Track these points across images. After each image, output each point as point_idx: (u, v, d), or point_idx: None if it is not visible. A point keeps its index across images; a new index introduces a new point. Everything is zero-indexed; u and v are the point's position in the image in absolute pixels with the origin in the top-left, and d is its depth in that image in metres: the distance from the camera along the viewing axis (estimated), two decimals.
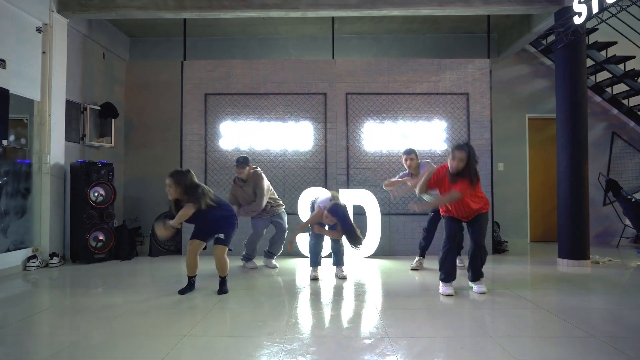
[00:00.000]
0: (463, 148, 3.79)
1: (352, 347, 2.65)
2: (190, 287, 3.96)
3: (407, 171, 5.02)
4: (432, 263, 4.86)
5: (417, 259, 5.13)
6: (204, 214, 3.80)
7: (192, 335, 2.82)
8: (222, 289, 3.95)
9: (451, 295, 3.83)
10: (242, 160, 5.06)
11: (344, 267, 4.71)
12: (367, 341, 2.75)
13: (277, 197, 5.37)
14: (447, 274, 3.93)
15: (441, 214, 4.09)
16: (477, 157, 3.88)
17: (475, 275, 3.99)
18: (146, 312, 3.37)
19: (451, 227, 3.97)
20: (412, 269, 5.03)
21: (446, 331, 2.92)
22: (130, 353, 2.57)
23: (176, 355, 2.50)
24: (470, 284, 4.05)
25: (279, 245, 5.33)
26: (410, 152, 4.94)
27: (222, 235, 3.89)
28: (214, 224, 3.89)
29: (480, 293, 3.89)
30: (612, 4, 4.24)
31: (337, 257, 4.71)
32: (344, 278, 4.57)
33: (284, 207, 5.38)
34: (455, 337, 2.80)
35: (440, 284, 3.97)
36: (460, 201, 3.84)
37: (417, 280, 4.53)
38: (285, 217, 5.35)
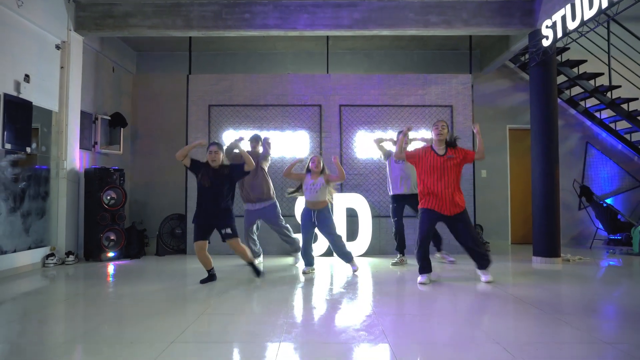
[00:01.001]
0: (441, 119, 4.43)
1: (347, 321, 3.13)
2: (210, 277, 4.46)
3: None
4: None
5: (398, 256, 5.65)
6: (219, 195, 4.38)
7: (207, 313, 3.28)
8: (257, 272, 4.54)
9: (424, 284, 4.35)
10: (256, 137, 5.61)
11: (354, 262, 5.12)
12: (361, 320, 3.23)
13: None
14: (422, 266, 4.47)
15: (419, 207, 4.49)
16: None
17: (483, 263, 4.42)
18: (152, 303, 3.82)
19: (424, 228, 4.38)
20: (392, 265, 5.56)
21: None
22: (138, 335, 2.93)
23: (196, 328, 2.96)
24: (478, 272, 4.50)
25: (290, 239, 5.56)
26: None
27: (228, 230, 4.39)
28: (213, 218, 4.40)
29: (487, 282, 4.34)
30: (574, 30, 4.82)
31: (345, 258, 5.09)
32: (355, 271, 5.04)
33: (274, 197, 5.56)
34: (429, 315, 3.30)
35: (419, 275, 4.51)
36: (445, 188, 4.28)
37: (398, 275, 5.02)
38: (277, 211, 5.49)
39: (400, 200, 5.58)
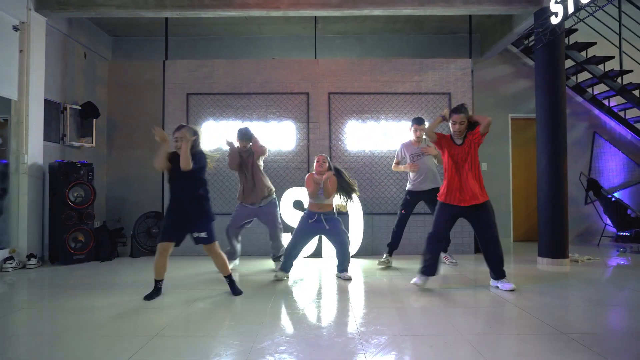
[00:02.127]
0: (460, 110, 3.93)
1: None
2: (156, 291, 3.76)
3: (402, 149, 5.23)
4: (401, 263, 4.87)
5: (385, 255, 5.19)
6: (185, 185, 3.73)
7: (162, 336, 2.80)
8: (234, 290, 3.83)
9: (418, 286, 3.95)
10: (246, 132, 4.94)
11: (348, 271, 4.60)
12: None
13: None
14: (425, 267, 4.00)
15: (438, 198, 4.06)
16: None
17: (501, 272, 3.97)
18: (120, 313, 3.33)
19: (440, 223, 3.97)
20: (379, 264, 5.12)
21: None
22: (100, 353, 2.53)
23: (145, 355, 2.47)
24: (494, 282, 4.03)
25: (278, 243, 5.01)
26: (420, 122, 5.11)
27: (203, 234, 3.72)
28: (186, 217, 3.72)
29: (510, 290, 3.86)
30: (587, 4, 4.28)
31: (343, 262, 4.56)
32: (349, 279, 4.49)
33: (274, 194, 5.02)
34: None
35: (418, 273, 4.06)
36: (462, 177, 3.88)
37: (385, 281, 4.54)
38: (277, 211, 5.01)
39: (415, 195, 5.12)
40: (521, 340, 2.70)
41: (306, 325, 3.04)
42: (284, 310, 3.43)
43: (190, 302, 3.64)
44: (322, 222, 4.54)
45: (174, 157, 3.80)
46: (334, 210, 4.66)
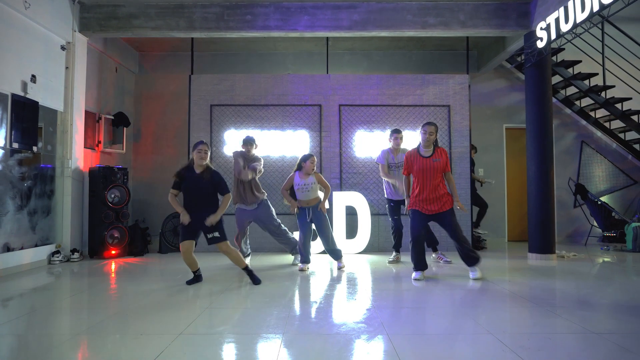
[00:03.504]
0: (431, 123, 4.52)
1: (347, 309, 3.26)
2: (196, 278, 4.37)
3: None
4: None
5: (394, 254, 5.79)
6: (200, 199, 4.22)
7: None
8: (254, 279, 4.30)
9: (419, 280, 4.51)
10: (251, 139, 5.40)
11: (342, 260, 5.29)
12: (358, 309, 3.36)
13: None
14: (416, 264, 4.62)
15: (408, 207, 4.63)
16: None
17: (469, 261, 4.56)
18: (155, 299, 3.94)
19: (415, 228, 4.54)
20: (389, 262, 5.69)
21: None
22: (144, 329, 3.13)
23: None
24: (468, 269, 4.63)
25: (286, 238, 5.50)
26: (398, 131, 5.70)
27: (216, 234, 4.18)
28: (199, 221, 4.14)
29: (475, 279, 4.47)
30: (566, 32, 4.94)
31: (334, 255, 5.26)
32: (341, 268, 5.20)
33: (265, 195, 5.45)
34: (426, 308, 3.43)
35: (413, 271, 4.66)
36: (429, 187, 4.42)
37: (394, 271, 5.15)
38: (270, 210, 5.40)
39: (396, 202, 5.71)
40: (508, 312, 3.32)
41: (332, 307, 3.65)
42: (306, 301, 4.04)
43: (214, 294, 4.24)
44: (310, 215, 5.14)
45: (190, 174, 4.28)
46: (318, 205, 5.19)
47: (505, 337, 2.70)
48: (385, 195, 5.82)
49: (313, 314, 3.29)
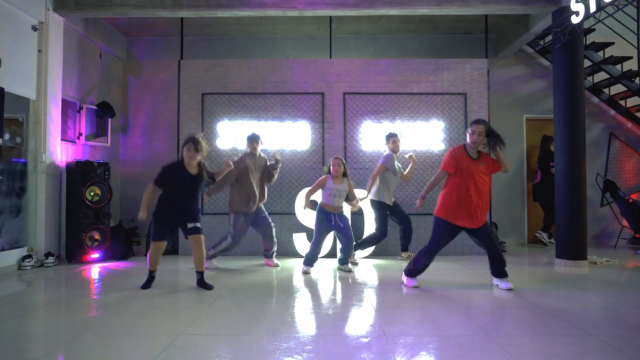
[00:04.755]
0: (480, 122, 3.93)
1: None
2: (152, 280, 4.11)
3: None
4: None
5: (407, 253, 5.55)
6: (184, 193, 4.01)
7: (187, 334, 2.80)
8: (205, 285, 4.03)
9: (417, 287, 4.06)
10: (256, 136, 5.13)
11: (348, 264, 4.99)
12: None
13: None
14: (414, 272, 4.12)
15: (437, 214, 4.02)
16: (501, 140, 3.91)
17: (500, 274, 4.05)
18: (141, 311, 3.33)
19: (440, 240, 3.96)
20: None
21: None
22: (125, 352, 2.53)
23: (170, 354, 2.47)
24: (496, 281, 4.11)
25: (271, 239, 5.22)
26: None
27: (198, 224, 4.01)
28: (179, 215, 3.99)
29: (508, 289, 3.96)
30: (609, 3, 4.24)
31: (346, 256, 4.93)
32: (350, 271, 4.90)
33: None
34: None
35: (406, 276, 4.16)
36: (475, 194, 3.85)
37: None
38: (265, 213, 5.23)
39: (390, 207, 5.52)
40: (548, 342, 2.67)
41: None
42: (308, 306, 3.43)
43: (211, 301, 3.64)
44: (337, 221, 4.85)
45: (180, 170, 4.02)
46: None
47: None
48: (379, 199, 5.40)
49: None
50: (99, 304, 3.57)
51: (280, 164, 5.15)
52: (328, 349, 2.56)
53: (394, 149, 5.47)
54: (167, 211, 4.00)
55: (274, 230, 5.22)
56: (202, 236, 4.04)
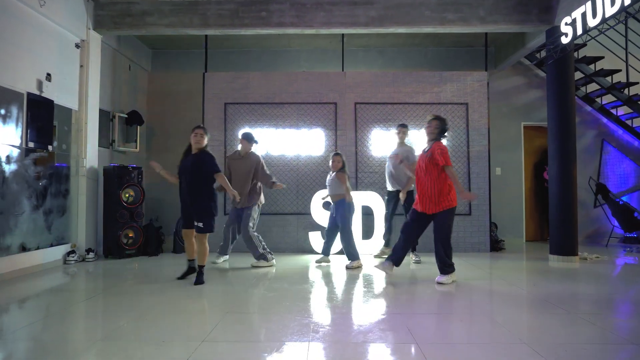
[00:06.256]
0: (435, 117, 4.54)
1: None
2: (190, 270, 4.57)
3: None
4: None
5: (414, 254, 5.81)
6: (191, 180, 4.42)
7: (232, 313, 3.33)
8: (200, 280, 4.34)
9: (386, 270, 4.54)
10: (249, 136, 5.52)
11: (353, 262, 5.32)
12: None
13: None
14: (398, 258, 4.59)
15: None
16: (445, 127, 4.52)
17: (441, 267, 4.42)
18: (174, 301, 3.88)
19: (408, 222, 4.53)
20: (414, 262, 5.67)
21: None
22: (164, 334, 3.06)
23: (216, 335, 3.01)
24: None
25: (231, 243, 5.59)
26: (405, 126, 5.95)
27: (200, 224, 4.31)
28: (190, 207, 4.38)
29: (439, 283, 4.32)
30: (593, 27, 4.78)
31: (348, 255, 5.35)
32: (351, 268, 5.25)
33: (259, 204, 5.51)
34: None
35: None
36: (428, 186, 4.34)
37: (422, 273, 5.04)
38: (256, 214, 5.41)
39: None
40: (539, 320, 3.20)
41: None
42: (325, 300, 3.96)
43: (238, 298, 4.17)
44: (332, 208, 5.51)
45: (187, 155, 4.60)
46: (343, 200, 5.36)
47: (541, 348, 2.58)
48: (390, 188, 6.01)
49: (337, 321, 3.20)
50: (136, 298, 4.11)
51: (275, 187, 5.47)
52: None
53: (400, 139, 5.92)
54: (182, 202, 4.51)
55: (237, 238, 5.57)
56: (206, 235, 4.34)
